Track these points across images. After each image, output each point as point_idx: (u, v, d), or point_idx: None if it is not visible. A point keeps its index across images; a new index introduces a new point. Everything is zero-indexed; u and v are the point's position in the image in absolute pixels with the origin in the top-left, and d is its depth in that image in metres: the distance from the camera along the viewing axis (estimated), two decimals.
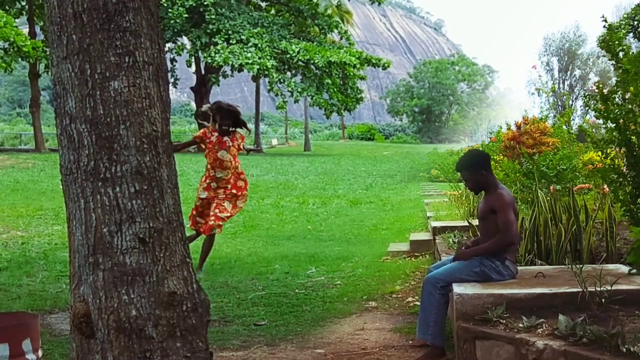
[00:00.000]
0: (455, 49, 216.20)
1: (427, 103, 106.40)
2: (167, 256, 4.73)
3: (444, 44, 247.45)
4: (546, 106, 20.64)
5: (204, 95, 61.50)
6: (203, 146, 12.37)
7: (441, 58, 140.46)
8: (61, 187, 4.89)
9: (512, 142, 14.08)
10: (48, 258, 13.63)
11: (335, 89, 55.74)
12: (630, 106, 8.03)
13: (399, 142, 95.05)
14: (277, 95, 55.11)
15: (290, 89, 54.50)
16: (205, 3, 53.26)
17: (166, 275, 4.71)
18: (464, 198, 15.61)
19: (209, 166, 12.09)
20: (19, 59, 45.36)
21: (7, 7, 50.82)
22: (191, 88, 63.93)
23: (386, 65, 57.33)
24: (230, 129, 12.30)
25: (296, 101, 57.15)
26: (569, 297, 6.23)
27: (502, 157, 14.75)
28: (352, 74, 56.27)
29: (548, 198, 9.25)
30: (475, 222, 9.08)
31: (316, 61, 52.84)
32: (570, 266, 7.02)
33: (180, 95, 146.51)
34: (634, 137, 7.97)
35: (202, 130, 12.33)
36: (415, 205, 23.85)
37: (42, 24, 49.87)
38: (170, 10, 52.48)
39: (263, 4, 62.54)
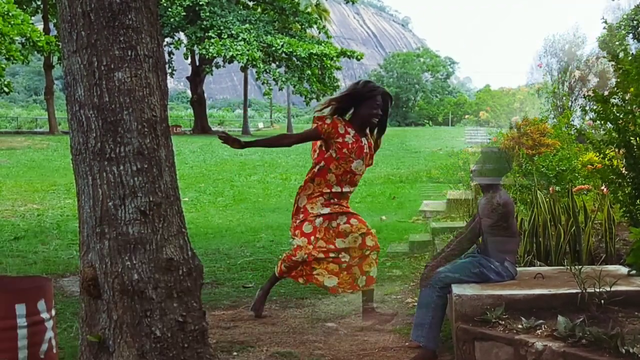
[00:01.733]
0: (420, 43, 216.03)
1: (395, 91, 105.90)
2: (165, 227, 4.75)
3: (410, 39, 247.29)
4: (546, 107, 20.07)
5: (198, 83, 61.74)
6: (323, 147, 7.19)
7: (408, 51, 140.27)
8: (72, 165, 4.89)
9: (511, 143, 13.12)
10: (61, 228, 13.61)
11: (314, 79, 55.69)
12: (629, 107, 7.42)
13: None
14: (263, 83, 55.09)
15: (275, 78, 54.52)
16: (200, 2, 53.21)
17: (164, 243, 4.73)
18: (462, 199, 14.48)
19: (332, 177, 7.10)
20: (35, 52, 45.39)
21: (24, 6, 50.58)
22: (187, 77, 63.87)
23: (359, 57, 57.25)
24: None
25: (280, 89, 57.01)
26: (568, 298, 5.72)
27: None
28: (329, 65, 56.14)
29: (547, 199, 8.45)
30: None
31: (298, 53, 52.84)
32: (569, 267, 6.36)
33: (177, 84, 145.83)
34: (634, 138, 7.37)
35: (327, 121, 7.07)
36: (385, 181, 23.87)
37: (55, 21, 49.58)
38: (169, 9, 52.37)
39: (250, 3, 62.26)
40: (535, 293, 5.85)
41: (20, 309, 4.73)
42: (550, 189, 10.17)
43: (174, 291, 4.74)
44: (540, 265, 7.53)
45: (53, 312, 5.02)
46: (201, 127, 60.69)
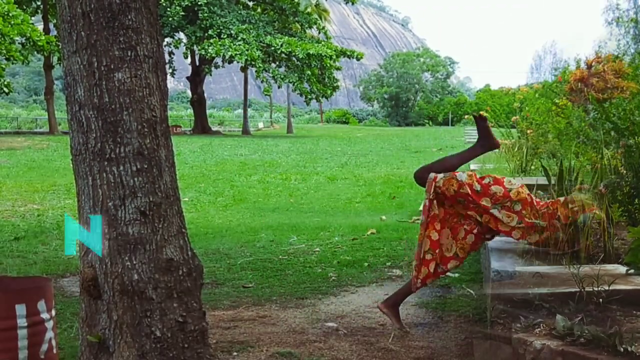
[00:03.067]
0: (420, 43, 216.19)
1: (395, 91, 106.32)
2: (165, 227, 4.76)
3: (410, 38, 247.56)
4: (626, 39, 17.57)
5: (198, 83, 61.80)
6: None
7: (408, 51, 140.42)
8: (72, 166, 4.90)
9: (579, 84, 11.10)
10: (61, 228, 13.58)
11: (314, 79, 55.76)
12: None
13: (371, 125, 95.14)
14: (262, 81, 55.14)
15: (274, 76, 54.59)
16: (199, 3, 53.28)
17: (164, 243, 4.73)
18: (516, 149, 12.18)
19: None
20: (35, 52, 45.63)
21: (25, 7, 50.72)
22: (187, 77, 63.93)
23: (359, 57, 57.36)
24: None
25: (279, 86, 57.11)
26: (567, 297, 5.59)
27: (566, 101, 11.49)
28: (329, 65, 56.14)
29: (618, 155, 7.59)
30: None
31: (297, 53, 52.88)
32: (567, 266, 6.27)
33: (177, 84, 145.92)
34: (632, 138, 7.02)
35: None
36: (385, 181, 23.85)
37: (55, 21, 49.70)
38: (168, 9, 52.42)
39: (250, 3, 62.39)
40: (534, 292, 5.77)
41: (21, 309, 4.73)
42: (621, 143, 8.47)
43: (174, 291, 4.74)
44: (538, 265, 7.24)
45: (53, 313, 5.03)
46: (201, 127, 60.78)
